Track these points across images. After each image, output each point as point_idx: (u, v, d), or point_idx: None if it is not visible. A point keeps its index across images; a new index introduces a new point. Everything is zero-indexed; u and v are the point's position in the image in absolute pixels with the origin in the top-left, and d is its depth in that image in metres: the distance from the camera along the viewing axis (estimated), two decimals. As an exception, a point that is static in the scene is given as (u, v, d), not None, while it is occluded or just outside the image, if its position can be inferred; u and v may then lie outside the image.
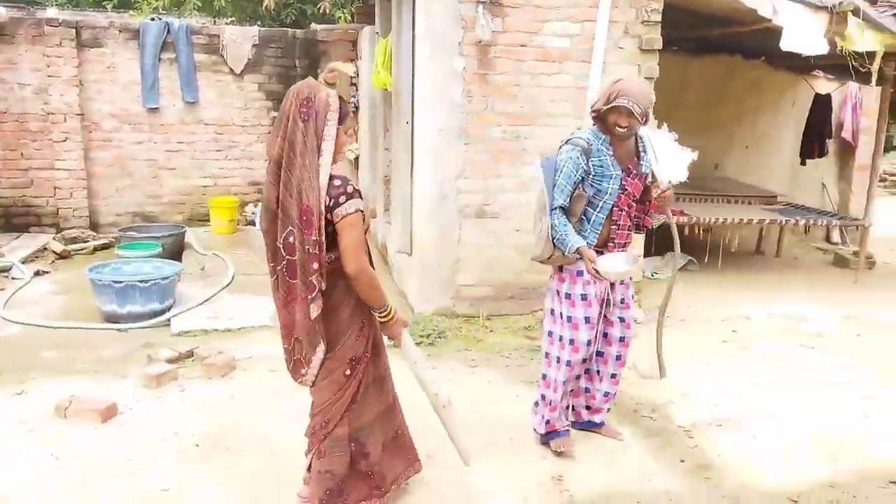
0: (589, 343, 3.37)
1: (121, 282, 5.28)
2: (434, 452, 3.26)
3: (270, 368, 4.35)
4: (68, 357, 4.64)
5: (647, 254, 6.49)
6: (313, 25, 9.29)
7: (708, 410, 4.02)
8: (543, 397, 3.51)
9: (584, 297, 3.32)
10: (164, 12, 10.07)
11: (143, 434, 3.57)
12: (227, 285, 6.21)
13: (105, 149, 8.48)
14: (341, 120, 2.52)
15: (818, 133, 9.12)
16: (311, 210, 2.43)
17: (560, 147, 3.37)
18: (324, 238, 2.47)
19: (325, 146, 2.47)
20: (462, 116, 5.30)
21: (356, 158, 8.78)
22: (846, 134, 9.40)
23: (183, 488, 3.11)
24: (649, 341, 4.48)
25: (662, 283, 6.82)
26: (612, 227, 3.33)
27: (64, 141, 8.19)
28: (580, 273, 3.29)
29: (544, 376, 3.50)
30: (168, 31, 8.44)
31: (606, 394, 3.61)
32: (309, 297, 2.50)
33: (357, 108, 8.52)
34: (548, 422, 3.49)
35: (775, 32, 5.48)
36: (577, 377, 3.54)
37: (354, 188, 2.53)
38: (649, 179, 3.35)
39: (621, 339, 3.49)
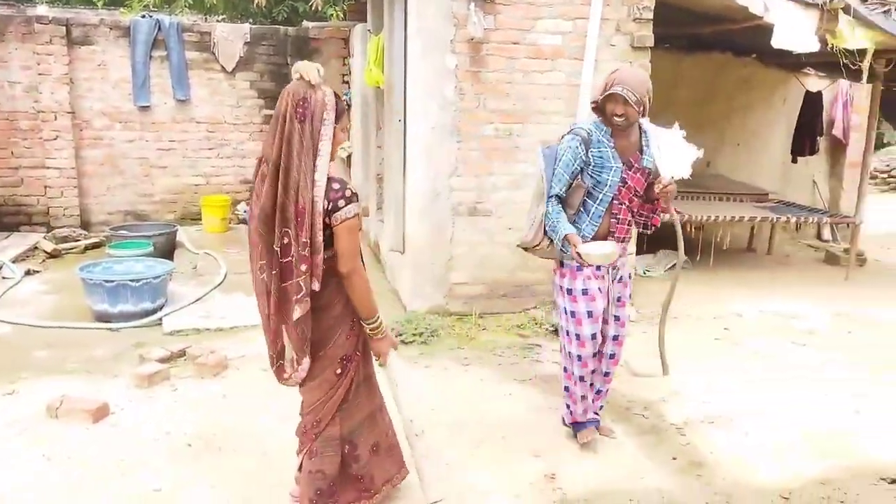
0: (594, 337, 3.37)
1: (112, 281, 5.25)
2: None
3: (263, 367, 4.31)
4: (59, 357, 4.61)
5: (639, 251, 6.50)
6: (305, 23, 9.28)
7: (700, 408, 4.03)
8: (567, 389, 3.54)
9: (585, 292, 3.32)
10: (155, 9, 10.06)
11: (135, 434, 3.56)
12: (219, 284, 6.20)
13: (96, 147, 8.44)
14: (338, 118, 2.49)
15: (809, 130, 9.16)
16: (304, 211, 2.41)
17: (562, 137, 3.38)
18: (320, 239, 2.45)
19: (323, 146, 2.44)
20: (454, 114, 5.30)
21: (349, 157, 8.76)
22: (837, 131, 9.45)
23: (175, 488, 3.10)
24: (642, 339, 4.50)
25: (654, 280, 6.85)
26: (612, 220, 3.33)
27: (54, 139, 8.14)
28: (580, 268, 3.30)
29: (565, 369, 3.54)
30: (159, 29, 8.39)
31: (599, 391, 3.61)
32: (295, 297, 2.47)
33: (349, 105, 8.50)
34: (571, 412, 3.55)
35: (766, 30, 5.51)
36: (593, 371, 3.52)
37: (353, 191, 2.51)
38: (652, 175, 3.34)
39: (615, 338, 3.49)
